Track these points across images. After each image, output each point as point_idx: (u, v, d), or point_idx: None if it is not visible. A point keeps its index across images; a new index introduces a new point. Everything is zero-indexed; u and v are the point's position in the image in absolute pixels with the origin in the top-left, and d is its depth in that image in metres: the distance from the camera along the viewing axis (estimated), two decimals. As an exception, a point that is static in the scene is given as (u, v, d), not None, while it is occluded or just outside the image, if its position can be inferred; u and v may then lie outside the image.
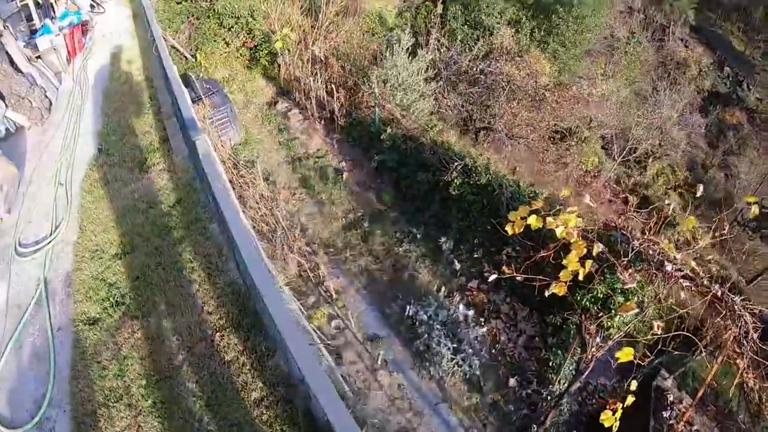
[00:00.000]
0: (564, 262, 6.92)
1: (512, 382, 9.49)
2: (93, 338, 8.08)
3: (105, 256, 9.41)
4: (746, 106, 25.07)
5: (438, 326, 9.35)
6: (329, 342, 9.15)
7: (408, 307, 9.60)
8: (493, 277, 7.87)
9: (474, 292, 10.38)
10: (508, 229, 7.96)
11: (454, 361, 9.15)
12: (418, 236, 10.85)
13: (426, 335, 9.22)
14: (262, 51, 14.45)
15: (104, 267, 9.18)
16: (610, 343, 8.28)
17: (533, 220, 7.60)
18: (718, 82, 25.73)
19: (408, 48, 13.41)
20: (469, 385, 9.29)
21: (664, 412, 9.78)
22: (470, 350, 9.33)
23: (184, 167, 10.97)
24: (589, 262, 7.22)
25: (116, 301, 8.59)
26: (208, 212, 9.96)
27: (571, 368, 9.46)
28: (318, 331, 9.24)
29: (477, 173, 9.96)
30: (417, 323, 9.46)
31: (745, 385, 7.57)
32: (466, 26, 17.37)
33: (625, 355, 6.52)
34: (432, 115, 14.03)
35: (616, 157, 17.59)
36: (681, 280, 7.62)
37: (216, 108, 12.29)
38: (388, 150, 11.78)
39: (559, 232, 7.30)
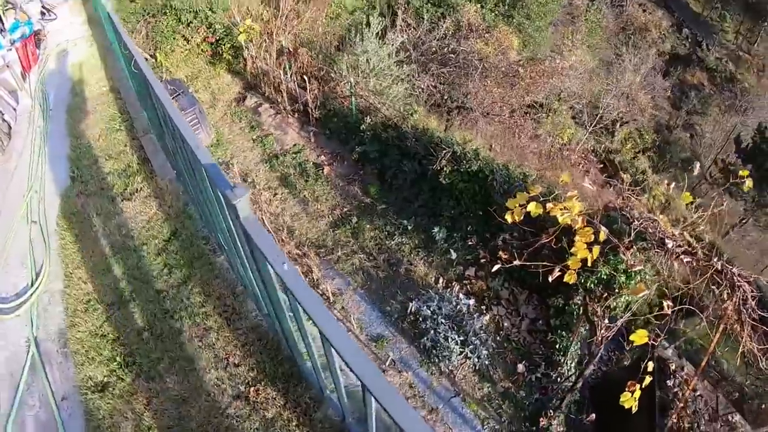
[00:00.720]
0: (573, 250, 6.87)
1: (520, 367, 9.44)
2: (106, 408, 7.21)
3: (100, 306, 8.51)
4: (706, 66, 25.58)
5: (443, 320, 9.17)
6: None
7: (410, 303, 9.37)
8: (496, 267, 7.80)
9: (472, 280, 10.23)
10: (508, 217, 7.76)
11: (463, 353, 9.03)
12: (409, 228, 10.58)
13: (432, 331, 9.03)
14: (224, 45, 13.78)
15: (102, 320, 8.32)
16: (619, 323, 8.27)
17: (533, 207, 7.46)
18: (678, 44, 26.14)
19: (378, 32, 13.00)
20: (478, 376, 9.19)
21: (668, 381, 9.88)
22: (477, 341, 9.19)
23: (172, 191, 10.22)
24: (596, 249, 7.20)
25: (124, 360, 7.74)
26: (211, 244, 9.32)
27: (576, 348, 9.48)
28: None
29: (467, 160, 9.72)
30: (421, 319, 9.26)
31: (745, 350, 7.71)
32: (429, 4, 16.99)
33: (639, 337, 6.51)
34: (408, 99, 13.68)
35: (587, 126, 17.66)
36: (682, 256, 7.73)
37: (184, 111, 11.65)
38: (368, 141, 11.42)
39: (561, 218, 7.27)
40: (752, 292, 6.95)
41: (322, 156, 12.26)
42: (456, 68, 14.28)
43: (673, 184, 9.54)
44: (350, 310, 9.51)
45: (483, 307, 9.88)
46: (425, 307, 9.26)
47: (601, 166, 16.43)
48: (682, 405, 9.41)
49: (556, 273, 7.83)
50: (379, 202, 11.16)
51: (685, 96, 23.66)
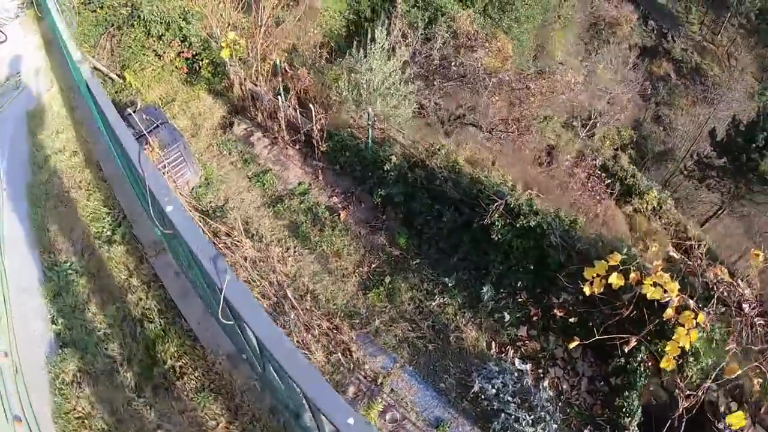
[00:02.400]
0: (675, 337, 6.69)
1: (585, 435, 8.81)
2: None
3: None
4: (672, 57, 25.80)
5: (509, 398, 8.29)
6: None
7: (473, 381, 8.42)
8: (574, 344, 7.21)
9: (525, 342, 9.41)
10: (586, 289, 7.31)
11: (535, 432, 8.24)
12: (450, 285, 9.57)
13: (502, 414, 8.13)
14: (202, 61, 11.96)
15: None
16: (700, 393, 7.88)
17: (615, 279, 7.15)
18: (644, 36, 26.17)
19: (383, 46, 11.62)
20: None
21: (719, 424, 9.61)
22: (544, 413, 8.39)
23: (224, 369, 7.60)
24: (695, 333, 6.92)
25: None
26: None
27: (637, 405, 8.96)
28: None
29: (523, 215, 8.74)
30: (483, 397, 8.33)
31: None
32: (416, 8, 15.66)
33: (737, 419, 6.23)
34: (414, 119, 12.49)
35: (579, 133, 17.16)
36: (757, 319, 7.60)
37: (167, 147, 9.94)
38: (392, 182, 10.16)
39: (650, 294, 6.86)
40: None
41: (334, 197, 10.90)
42: (461, 82, 13.19)
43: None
44: (401, 392, 8.44)
45: (540, 371, 9.12)
46: (489, 386, 8.34)
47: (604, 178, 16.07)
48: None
49: (633, 344, 7.44)
50: (410, 254, 10.02)
51: (653, 88, 23.80)
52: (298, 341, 8.65)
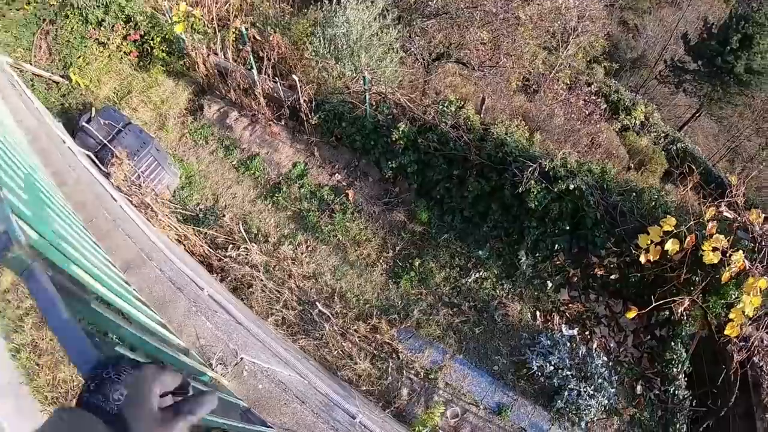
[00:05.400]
0: (741, 306, 7.26)
1: (639, 389, 9.03)
2: None
3: None
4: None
5: (569, 372, 8.24)
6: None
7: (530, 358, 8.30)
8: (633, 314, 7.35)
9: (569, 305, 9.31)
10: (642, 258, 7.41)
11: (598, 402, 8.29)
12: (483, 257, 9.23)
13: (566, 391, 8.10)
14: (153, 40, 10.58)
15: None
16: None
17: (671, 246, 7.35)
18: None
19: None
20: (606, 413, 8.58)
21: (755, 358, 10.08)
22: (601, 380, 8.45)
23: None
24: (757, 300, 7.19)
25: None
26: None
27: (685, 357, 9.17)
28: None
29: (560, 179, 8.36)
30: (542, 376, 8.25)
31: None
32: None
33: None
34: (399, 67, 11.67)
35: (560, 51, 16.65)
36: None
37: (136, 154, 8.94)
38: (401, 150, 9.51)
39: (708, 258, 7.48)
40: None
41: (336, 174, 10.17)
42: (442, 18, 12.27)
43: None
44: (456, 383, 8.27)
45: (586, 333, 9.12)
46: (546, 363, 8.24)
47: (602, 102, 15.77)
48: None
49: (686, 304, 7.68)
50: (434, 228, 9.56)
51: (614, -11, 23.25)
52: (338, 352, 8.27)
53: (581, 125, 12.74)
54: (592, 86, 15.24)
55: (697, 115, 21.74)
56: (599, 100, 14.98)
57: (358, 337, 8.46)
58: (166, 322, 5.39)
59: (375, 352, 8.43)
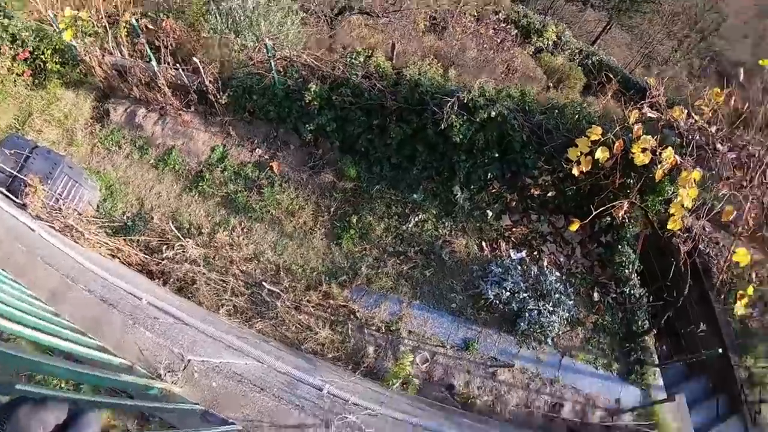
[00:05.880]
0: (679, 200, 7.51)
1: (596, 296, 9.26)
2: None
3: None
4: None
5: (526, 295, 8.34)
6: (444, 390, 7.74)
7: (485, 288, 8.35)
8: (576, 226, 7.55)
9: (513, 230, 9.40)
10: (575, 171, 7.50)
11: (560, 317, 8.46)
12: (419, 200, 9.19)
13: (526, 313, 8.22)
14: (45, 54, 9.88)
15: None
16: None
17: (601, 154, 7.60)
18: None
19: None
20: (569, 325, 8.80)
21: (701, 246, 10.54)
22: (559, 296, 8.60)
23: None
24: (693, 191, 7.57)
25: None
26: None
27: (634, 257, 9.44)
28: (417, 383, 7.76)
29: (481, 108, 8.32)
30: (500, 303, 8.33)
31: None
32: None
33: (743, 257, 7.49)
34: (301, 27, 11.35)
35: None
36: (728, 154, 8.11)
37: (49, 177, 8.42)
38: (317, 112, 9.28)
39: (641, 160, 7.72)
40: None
41: (257, 150, 9.87)
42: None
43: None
44: (419, 330, 8.27)
45: (535, 253, 9.26)
46: (502, 290, 8.31)
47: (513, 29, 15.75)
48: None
49: (625, 208, 7.87)
50: (365, 182, 9.44)
51: None
52: (296, 327, 8.14)
53: (495, 54, 12.73)
54: (500, 14, 15.20)
55: (608, 27, 22.16)
56: (509, 27, 14.97)
57: (313, 306, 8.34)
58: (104, 343, 5.15)
59: (332, 317, 8.34)
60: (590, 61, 17.43)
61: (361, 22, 14.14)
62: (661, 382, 9.35)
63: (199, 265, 8.58)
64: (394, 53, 10.44)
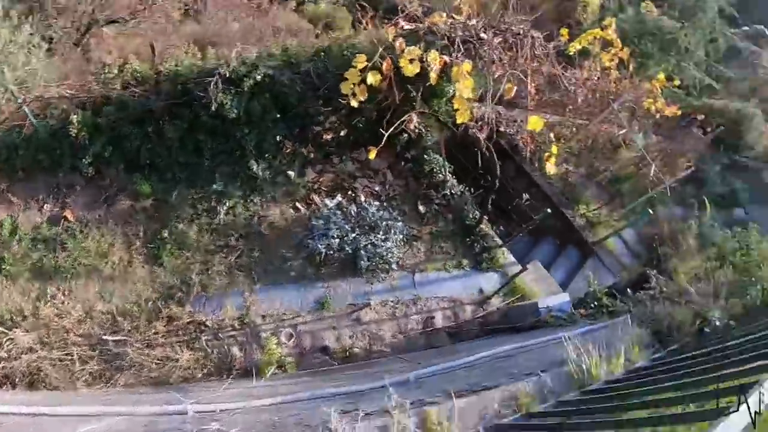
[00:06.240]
0: (459, 95, 7.93)
1: (421, 208, 9.73)
2: None
3: None
4: None
5: (356, 234, 8.59)
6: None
7: (314, 244, 8.53)
8: (373, 154, 7.87)
9: (320, 180, 9.56)
10: (353, 102, 7.63)
11: (398, 240, 8.87)
12: (221, 189, 9.08)
13: (361, 251, 8.53)
14: None
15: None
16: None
17: (372, 78, 7.62)
18: None
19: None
20: (408, 244, 9.25)
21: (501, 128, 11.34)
22: (387, 223, 8.94)
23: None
24: (469, 82, 7.99)
25: None
26: None
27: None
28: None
29: (246, 76, 8.27)
30: (335, 252, 8.55)
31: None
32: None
33: (536, 124, 8.43)
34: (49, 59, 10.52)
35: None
36: (494, 39, 8.49)
37: None
38: (88, 142, 8.79)
39: (411, 71, 7.91)
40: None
41: (46, 205, 9.18)
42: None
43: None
44: (271, 311, 8.42)
45: (350, 192, 9.51)
46: (331, 239, 8.51)
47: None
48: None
49: (416, 120, 8.19)
50: (161, 192, 9.13)
51: None
52: (156, 363, 7.92)
53: (255, 20, 12.46)
54: None
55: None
56: None
57: (162, 336, 8.14)
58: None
59: (186, 338, 8.20)
60: None
61: (117, 34, 13.27)
62: (512, 258, 10.13)
63: (37, 351, 8.06)
64: (155, 53, 10.03)
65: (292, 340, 8.29)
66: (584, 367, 5.42)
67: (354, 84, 7.91)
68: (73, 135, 8.63)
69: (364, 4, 11.79)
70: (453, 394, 4.66)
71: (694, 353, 6.03)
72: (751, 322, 7.58)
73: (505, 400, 4.92)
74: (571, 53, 11.93)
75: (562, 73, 10.08)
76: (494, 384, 5.15)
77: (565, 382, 5.42)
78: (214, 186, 9.05)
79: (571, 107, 13.41)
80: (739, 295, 8.65)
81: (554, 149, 8.88)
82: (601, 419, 4.06)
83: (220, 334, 8.20)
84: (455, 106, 8.05)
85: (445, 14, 8.74)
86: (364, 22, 11.17)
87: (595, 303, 9.28)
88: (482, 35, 8.55)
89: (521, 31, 8.93)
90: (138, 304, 8.46)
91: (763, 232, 11.23)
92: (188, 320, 8.21)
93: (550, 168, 8.80)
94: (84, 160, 8.85)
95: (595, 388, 5.26)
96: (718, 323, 7.56)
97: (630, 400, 4.26)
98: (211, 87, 8.24)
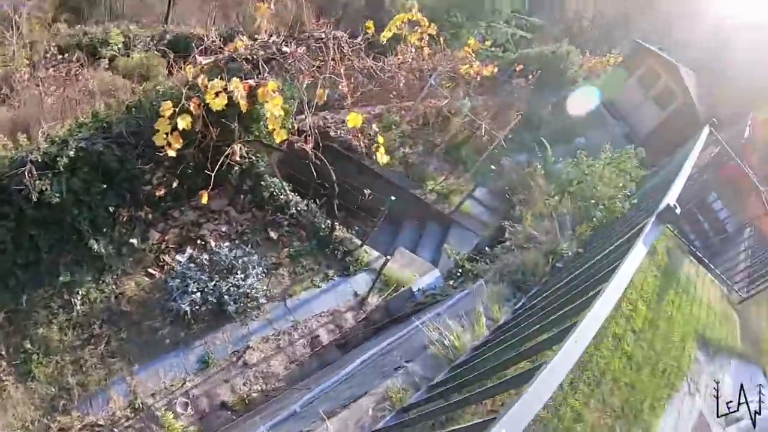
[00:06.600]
0: (269, 115, 7.94)
1: (272, 234, 9.89)
2: None
3: None
4: None
5: (215, 282, 8.60)
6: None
7: (177, 305, 8.44)
8: (205, 198, 7.81)
9: (165, 238, 9.40)
10: (170, 153, 7.57)
11: (255, 275, 8.92)
12: (65, 280, 8.56)
13: (225, 297, 8.55)
14: None
15: None
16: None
17: (182, 122, 7.82)
18: None
19: None
20: (269, 275, 9.34)
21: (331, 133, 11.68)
22: (244, 263, 9.00)
23: None
24: (278, 99, 7.98)
25: None
26: None
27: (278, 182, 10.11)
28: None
29: (59, 156, 7.97)
30: (201, 305, 8.50)
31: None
32: None
33: (356, 120, 8.46)
34: None
35: None
36: (297, 50, 8.77)
37: None
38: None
39: (218, 105, 7.73)
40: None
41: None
42: None
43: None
44: (155, 386, 8.19)
45: (199, 241, 9.46)
46: (191, 295, 8.42)
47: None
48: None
49: (239, 149, 8.28)
50: (9, 302, 8.38)
51: None
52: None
53: (67, 89, 11.85)
54: (52, 48, 13.87)
55: (172, 2, 21.39)
56: (68, 54, 13.76)
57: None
58: None
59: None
60: (165, 41, 17.10)
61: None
62: (376, 253, 10.49)
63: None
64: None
65: (189, 407, 8.12)
66: (446, 343, 5.64)
67: (167, 133, 7.74)
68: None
69: (165, 50, 11.63)
70: (324, 416, 4.77)
71: (545, 293, 6.46)
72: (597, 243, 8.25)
73: (379, 403, 5.07)
74: (384, 42, 12.48)
75: (374, 65, 10.47)
76: (364, 391, 5.24)
77: (434, 364, 5.59)
78: (61, 278, 8.51)
79: (394, 93, 14.10)
80: (587, 220, 9.42)
81: (380, 139, 9.19)
82: (470, 392, 4.12)
83: (115, 429, 7.88)
84: (270, 127, 8.13)
85: (246, 37, 8.82)
86: (173, 66, 11.05)
87: (460, 271, 9.83)
88: (284, 49, 8.71)
89: (324, 35, 9.21)
90: (25, 427, 7.91)
91: (594, 154, 11.52)
92: (80, 426, 7.77)
93: (381, 157, 9.11)
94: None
95: (462, 360, 5.39)
96: (569, 254, 8.22)
97: (490, 361, 4.35)
98: (26, 176, 7.83)
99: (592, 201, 9.61)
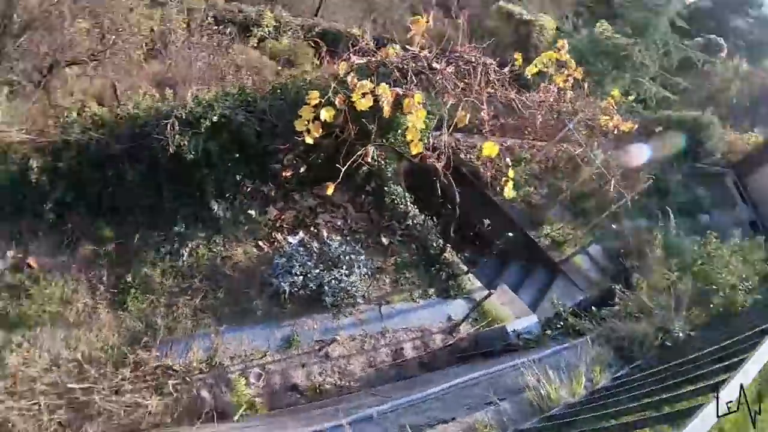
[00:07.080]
0: (411, 125, 8.04)
1: (384, 240, 9.92)
2: None
3: None
4: None
5: (319, 270, 8.77)
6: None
7: (278, 283, 8.67)
8: (331, 189, 7.82)
9: (282, 218, 9.71)
10: (308, 140, 7.65)
11: (359, 274, 9.03)
12: (183, 230, 9.12)
13: (325, 287, 8.72)
14: None
15: None
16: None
17: (326, 114, 7.66)
18: None
19: None
20: (373, 279, 9.41)
21: (461, 155, 11.48)
22: (349, 258, 9.11)
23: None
24: (422, 113, 8.12)
25: None
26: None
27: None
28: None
29: (202, 117, 8.42)
30: (299, 289, 8.69)
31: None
32: None
33: (491, 149, 8.35)
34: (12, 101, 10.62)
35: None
36: (447, 69, 8.80)
37: None
38: (48, 189, 8.82)
39: (363, 105, 7.89)
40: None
41: (9, 252, 9.00)
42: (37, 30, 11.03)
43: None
44: (239, 351, 8.47)
45: (312, 228, 9.67)
46: (294, 277, 8.67)
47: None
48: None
49: (371, 151, 8.35)
50: (123, 236, 9.15)
51: None
52: (125, 411, 7.88)
53: (216, 58, 12.61)
54: (209, 18, 14.82)
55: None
56: (222, 27, 14.66)
57: (130, 383, 8.14)
58: None
59: (154, 383, 8.19)
60: (312, 33, 17.68)
61: (74, 74, 13.31)
62: (478, 284, 10.36)
63: (3, 402, 7.99)
64: (118, 95, 10.11)
65: (261, 380, 8.34)
66: (542, 392, 5.56)
67: (308, 120, 7.99)
68: (34, 181, 8.66)
69: (318, 40, 12.05)
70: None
71: (652, 370, 6.23)
72: (713, 331, 7.82)
73: (465, 432, 5.08)
74: (528, 77, 12.30)
75: (517, 97, 10.33)
76: (452, 416, 5.28)
77: (525, 409, 5.54)
78: (176, 228, 9.09)
79: (529, 130, 13.86)
80: (703, 304, 8.92)
81: (511, 173, 9.07)
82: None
83: (188, 378, 8.20)
84: (408, 137, 8.20)
85: (398, 46, 8.95)
86: (322, 57, 11.39)
87: (561, 323, 9.53)
88: (434, 65, 8.76)
89: (473, 59, 9.18)
90: (104, 350, 8.44)
91: (723, 237, 11.21)
92: (155, 365, 8.21)
93: (508, 192, 8.99)
94: (45, 206, 8.84)
95: (554, 413, 5.33)
96: (681, 335, 7.80)
97: (588, 424, 4.35)
98: (168, 129, 8.35)
99: (714, 286, 9.18)
